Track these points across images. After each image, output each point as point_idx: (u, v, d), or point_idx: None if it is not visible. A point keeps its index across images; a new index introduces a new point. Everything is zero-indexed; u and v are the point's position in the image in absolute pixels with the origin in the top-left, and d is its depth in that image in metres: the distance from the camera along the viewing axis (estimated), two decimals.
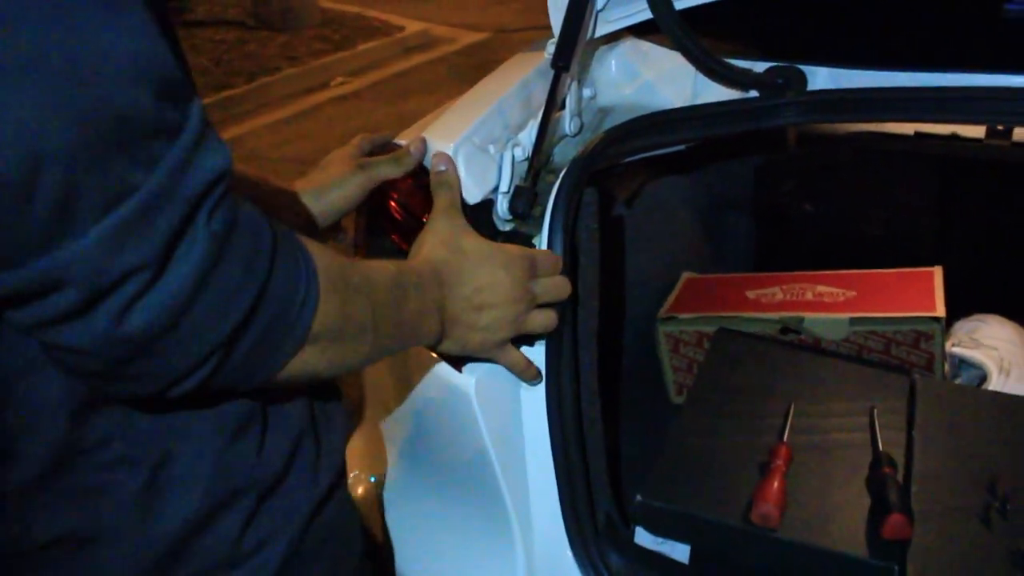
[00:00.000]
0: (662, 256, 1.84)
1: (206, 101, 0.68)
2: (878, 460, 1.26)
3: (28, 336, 0.59)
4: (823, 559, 1.15)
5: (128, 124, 0.53)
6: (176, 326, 0.58)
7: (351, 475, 1.39)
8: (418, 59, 7.41)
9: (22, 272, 0.53)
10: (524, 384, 1.16)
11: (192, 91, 0.59)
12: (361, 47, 7.43)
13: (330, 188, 1.08)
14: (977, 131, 1.68)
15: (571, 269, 1.14)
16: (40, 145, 0.50)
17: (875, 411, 1.38)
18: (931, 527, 1.16)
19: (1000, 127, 1.63)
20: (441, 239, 0.94)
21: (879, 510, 1.17)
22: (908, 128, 1.73)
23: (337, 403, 0.95)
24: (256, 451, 0.79)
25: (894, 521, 1.14)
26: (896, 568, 1.12)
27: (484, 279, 0.92)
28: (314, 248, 0.70)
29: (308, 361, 0.69)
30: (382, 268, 0.81)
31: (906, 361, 1.56)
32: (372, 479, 1.34)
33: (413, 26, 8.06)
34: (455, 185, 1.04)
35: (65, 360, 0.60)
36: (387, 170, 1.11)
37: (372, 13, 8.28)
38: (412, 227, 1.12)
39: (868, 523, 1.18)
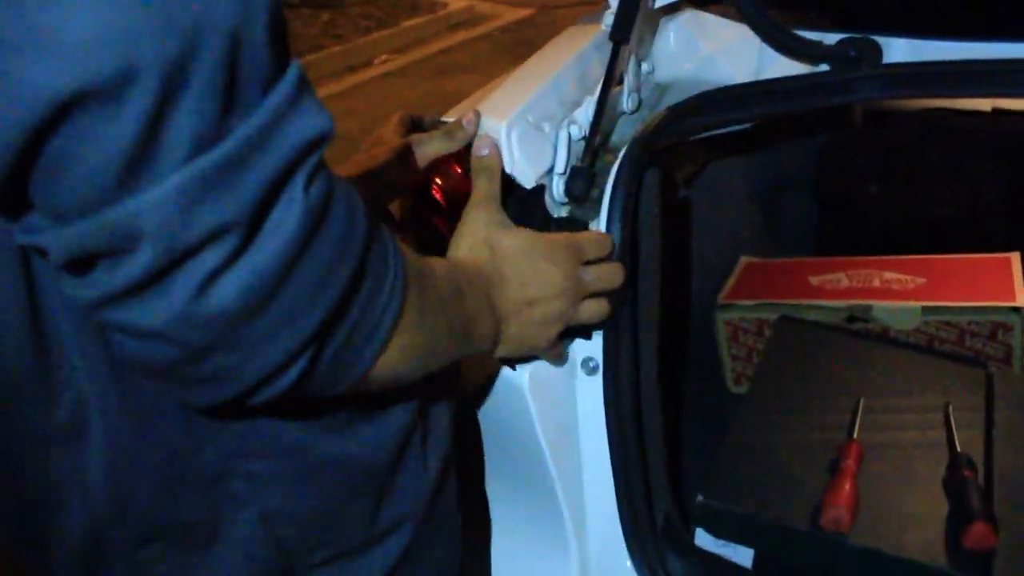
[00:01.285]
0: (719, 239, 1.77)
1: None
2: (956, 462, 1.19)
3: (93, 317, 0.52)
4: (899, 568, 1.08)
5: (236, 51, 0.46)
6: (266, 307, 0.52)
7: None
8: (462, 36, 7.34)
9: (87, 224, 0.46)
10: (580, 376, 1.10)
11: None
12: (405, 24, 7.38)
13: (380, 170, 1.00)
14: None
15: (631, 255, 1.07)
16: (136, 52, 0.43)
17: (950, 407, 1.30)
18: (1017, 535, 1.09)
19: None
20: (480, 237, 0.87)
21: (960, 517, 1.11)
22: (985, 104, 1.64)
23: (444, 386, 0.91)
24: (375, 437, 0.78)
25: (977, 530, 1.07)
26: None
27: (529, 274, 0.85)
28: (399, 242, 0.64)
29: (392, 360, 0.64)
30: (437, 263, 0.75)
31: (981, 353, 1.48)
32: None
33: (457, 3, 7.99)
34: (496, 171, 0.95)
35: (134, 352, 0.53)
36: (440, 146, 1.02)
37: None
38: (455, 212, 1.06)
39: (947, 531, 1.11)
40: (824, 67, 1.24)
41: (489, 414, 1.14)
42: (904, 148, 1.80)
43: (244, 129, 0.47)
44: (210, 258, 0.48)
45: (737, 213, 1.82)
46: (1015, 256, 1.57)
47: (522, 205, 1.08)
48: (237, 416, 0.67)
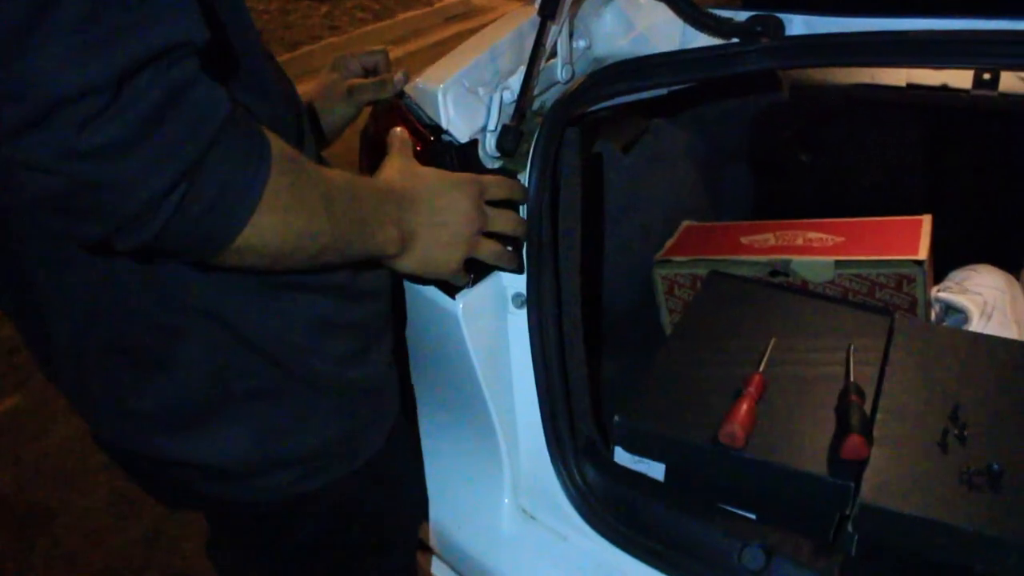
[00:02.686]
0: (664, 205, 1.91)
1: None
2: (847, 390, 1.33)
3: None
4: (784, 477, 1.22)
5: None
6: (132, 152, 0.65)
7: None
8: (457, 28, 7.46)
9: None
10: (511, 309, 1.25)
11: None
12: (401, 16, 7.51)
13: (325, 110, 1.26)
14: (965, 81, 1.72)
15: (551, 202, 1.22)
16: None
17: (852, 348, 1.44)
18: (888, 450, 1.22)
19: (987, 75, 1.67)
20: (396, 168, 1.01)
21: (840, 433, 1.24)
22: (900, 80, 1.78)
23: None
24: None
25: (852, 442, 1.20)
26: (852, 486, 1.19)
27: (441, 199, 1.00)
28: (271, 134, 0.78)
29: (264, 232, 0.77)
30: (338, 171, 0.89)
31: (890, 304, 1.62)
32: None
33: None
34: (407, 138, 1.11)
35: (32, 188, 0.66)
36: (371, 94, 1.29)
37: None
38: None
39: (830, 446, 1.25)
40: (735, 41, 1.39)
41: (428, 340, 1.30)
42: (830, 119, 1.94)
43: (128, 13, 0.62)
44: (85, 107, 0.62)
45: (681, 181, 1.97)
46: (927, 217, 1.71)
47: (460, 159, 1.23)
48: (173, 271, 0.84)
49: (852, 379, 1.37)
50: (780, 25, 1.36)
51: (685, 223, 1.91)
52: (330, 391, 0.99)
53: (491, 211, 1.06)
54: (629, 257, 1.86)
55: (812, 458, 1.23)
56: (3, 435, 2.92)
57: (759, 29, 1.36)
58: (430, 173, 1.02)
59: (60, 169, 0.64)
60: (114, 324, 0.89)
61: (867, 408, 1.31)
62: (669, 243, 1.84)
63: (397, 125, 1.26)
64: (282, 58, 6.52)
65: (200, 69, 0.69)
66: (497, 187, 1.09)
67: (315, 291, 0.94)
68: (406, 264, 0.99)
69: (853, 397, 1.31)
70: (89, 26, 0.61)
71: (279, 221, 0.78)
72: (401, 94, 1.30)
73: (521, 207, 1.20)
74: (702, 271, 1.71)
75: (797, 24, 1.36)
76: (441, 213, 1.00)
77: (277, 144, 0.78)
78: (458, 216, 1.01)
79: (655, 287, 1.78)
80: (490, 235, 1.08)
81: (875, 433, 1.25)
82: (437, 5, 7.84)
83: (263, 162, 0.75)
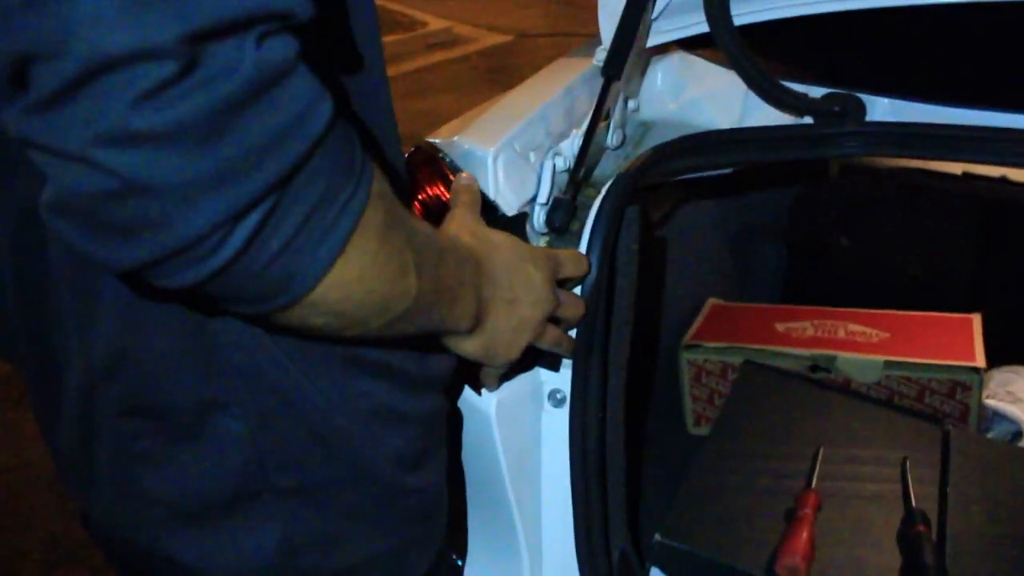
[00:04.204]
0: (688, 280, 1.78)
1: None
2: (911, 516, 1.20)
3: (22, 143, 0.47)
4: None
5: None
6: (196, 149, 0.47)
7: None
8: (439, 56, 7.36)
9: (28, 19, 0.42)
10: (547, 407, 1.10)
11: None
12: (383, 40, 7.38)
13: None
14: None
15: (607, 291, 1.07)
16: None
17: (907, 462, 1.31)
18: None
19: None
20: (468, 228, 0.84)
21: (913, 571, 1.11)
22: (956, 167, 1.67)
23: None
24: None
25: None
26: None
27: (517, 274, 0.83)
28: (373, 164, 0.60)
29: (347, 283, 0.58)
30: (423, 222, 0.71)
31: (939, 410, 1.50)
32: None
33: (436, 23, 8.01)
34: (476, 191, 0.94)
35: (57, 186, 0.48)
36: None
37: (396, 6, 8.23)
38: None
39: None
40: (808, 120, 1.26)
41: (453, 437, 1.14)
42: (876, 204, 1.83)
43: None
44: (142, 75, 0.44)
45: (708, 255, 1.83)
46: (976, 317, 1.60)
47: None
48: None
49: (914, 503, 1.23)
50: (862, 107, 1.23)
51: (711, 301, 1.78)
52: (382, 498, 0.80)
53: (562, 294, 0.91)
54: (647, 335, 1.71)
55: None
56: None
57: (837, 109, 1.24)
58: (504, 240, 0.84)
59: (97, 157, 0.45)
60: (140, 379, 0.69)
61: (933, 536, 1.18)
62: (696, 324, 1.69)
63: (435, 182, 1.11)
64: None
65: (301, 53, 0.50)
66: (575, 265, 0.94)
67: (379, 372, 0.75)
68: (470, 346, 0.82)
69: (920, 527, 1.17)
70: None
71: (367, 269, 0.59)
72: (436, 147, 1.14)
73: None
74: (735, 359, 1.57)
75: (880, 107, 1.24)
76: (514, 290, 0.83)
77: (377, 174, 0.60)
78: (532, 296, 0.84)
79: (680, 372, 1.64)
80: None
81: (949, 570, 1.12)
82: (420, 31, 7.72)
83: (360, 188, 0.56)
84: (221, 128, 0.47)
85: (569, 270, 0.93)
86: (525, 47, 7.34)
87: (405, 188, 0.78)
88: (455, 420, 1.08)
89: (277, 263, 0.53)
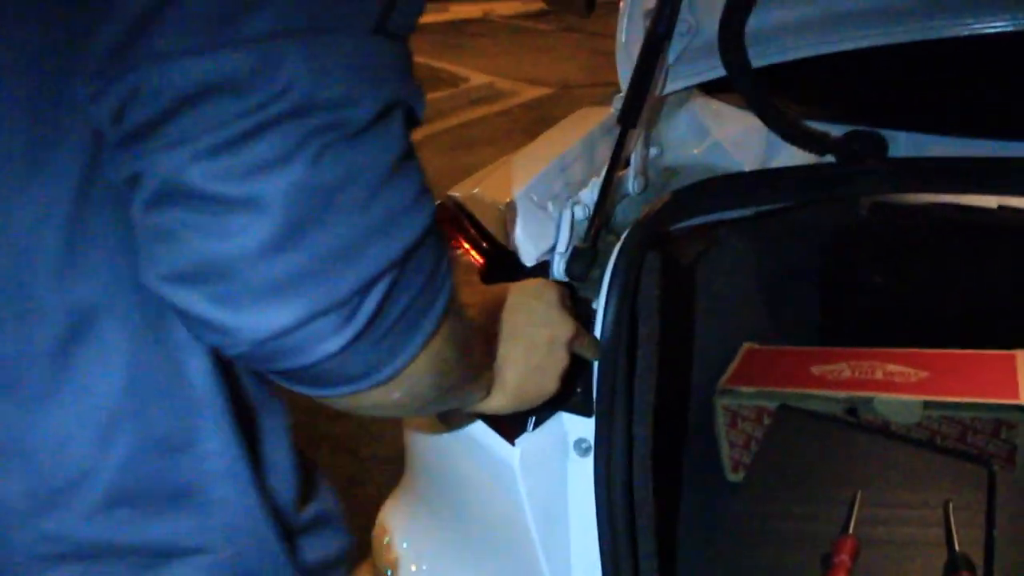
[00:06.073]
0: (721, 324, 1.76)
1: None
2: (955, 562, 1.16)
3: (121, 157, 0.46)
4: None
5: None
6: (359, 214, 0.48)
7: (384, 539, 1.32)
8: (482, 111, 7.44)
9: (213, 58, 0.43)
10: (573, 457, 1.09)
11: None
12: (427, 96, 7.48)
13: None
14: None
15: (629, 338, 1.07)
16: None
17: (951, 505, 1.28)
18: None
19: None
20: (467, 296, 0.82)
21: None
22: (991, 200, 1.64)
23: None
24: None
25: None
26: None
27: (520, 313, 0.84)
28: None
29: (434, 357, 0.58)
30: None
31: (984, 450, 1.45)
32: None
33: (478, 78, 8.12)
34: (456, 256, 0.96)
35: (212, 236, 0.46)
36: None
37: (440, 64, 8.36)
38: None
39: None
40: (829, 158, 1.25)
41: (478, 490, 1.13)
42: (909, 241, 1.80)
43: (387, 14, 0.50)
44: (328, 119, 0.46)
45: (741, 298, 1.82)
46: (1019, 353, 1.56)
47: None
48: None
49: (958, 548, 1.19)
50: (883, 144, 1.22)
51: (746, 345, 1.75)
52: None
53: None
54: (680, 380, 1.69)
55: None
56: None
57: (858, 147, 1.23)
58: (499, 291, 0.86)
59: (202, 183, 0.45)
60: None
61: None
62: (730, 369, 1.67)
63: (457, 238, 1.12)
64: None
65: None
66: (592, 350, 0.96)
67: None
68: (496, 404, 0.82)
69: (964, 574, 1.13)
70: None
71: (448, 349, 0.60)
72: (459, 203, 1.15)
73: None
74: (770, 404, 1.55)
75: (902, 143, 1.23)
76: (524, 334, 0.84)
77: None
78: (544, 331, 0.86)
79: (715, 417, 1.62)
80: None
81: None
82: (462, 87, 7.82)
83: (448, 268, 0.57)
84: (379, 186, 0.49)
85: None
86: (566, 99, 7.39)
87: None
88: None
89: (399, 323, 0.54)
